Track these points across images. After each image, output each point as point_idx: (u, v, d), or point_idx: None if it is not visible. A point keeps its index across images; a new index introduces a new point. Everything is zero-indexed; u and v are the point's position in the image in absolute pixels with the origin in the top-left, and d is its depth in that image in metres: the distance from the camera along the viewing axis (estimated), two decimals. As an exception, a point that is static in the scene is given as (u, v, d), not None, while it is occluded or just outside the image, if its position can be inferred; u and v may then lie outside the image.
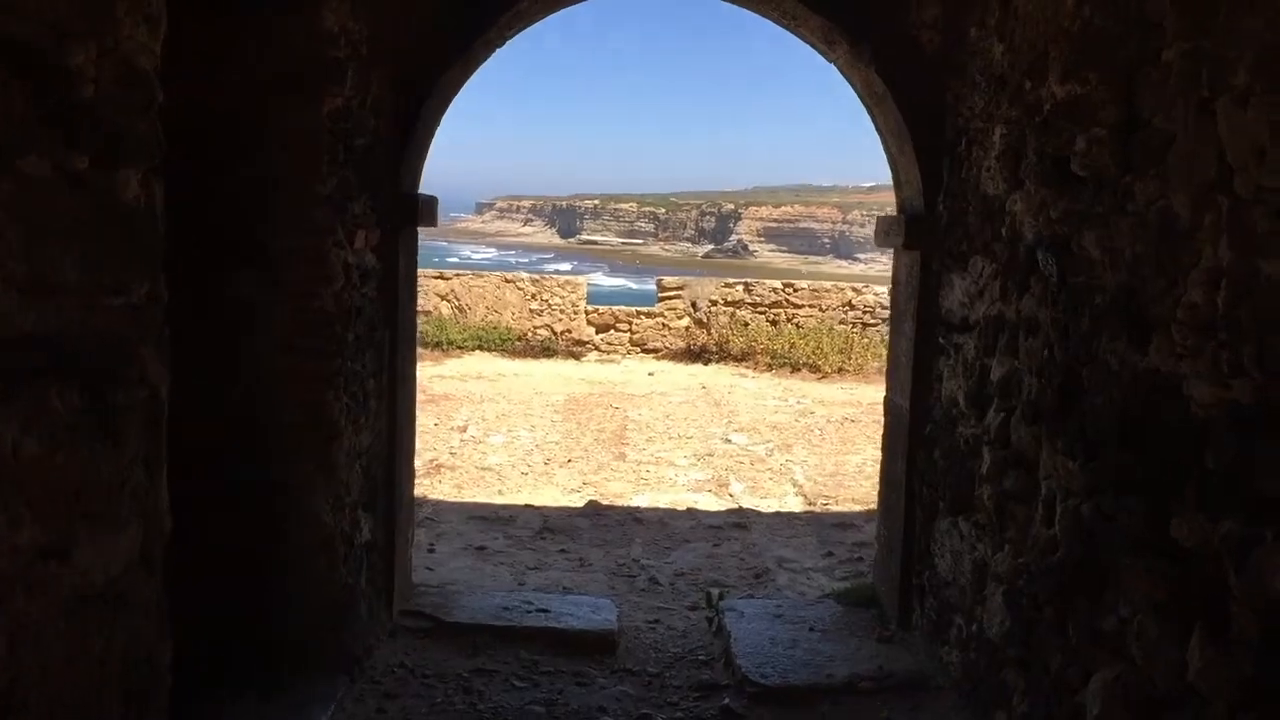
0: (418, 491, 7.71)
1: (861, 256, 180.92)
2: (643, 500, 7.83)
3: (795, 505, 7.86)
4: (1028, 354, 3.76)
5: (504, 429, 10.16)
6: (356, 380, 4.40)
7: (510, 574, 6.09)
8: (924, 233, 4.83)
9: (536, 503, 7.62)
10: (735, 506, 7.71)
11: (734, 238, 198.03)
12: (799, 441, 10.06)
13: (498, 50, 5.10)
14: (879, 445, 10.19)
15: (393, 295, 4.77)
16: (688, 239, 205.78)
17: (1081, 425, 3.27)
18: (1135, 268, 2.91)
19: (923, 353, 4.86)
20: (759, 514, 7.54)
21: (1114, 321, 3.08)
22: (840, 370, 13.97)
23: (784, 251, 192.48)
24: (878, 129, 5.22)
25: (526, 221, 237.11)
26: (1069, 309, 3.40)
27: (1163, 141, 2.73)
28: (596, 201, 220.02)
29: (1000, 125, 4.12)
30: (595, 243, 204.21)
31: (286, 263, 4.01)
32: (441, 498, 7.63)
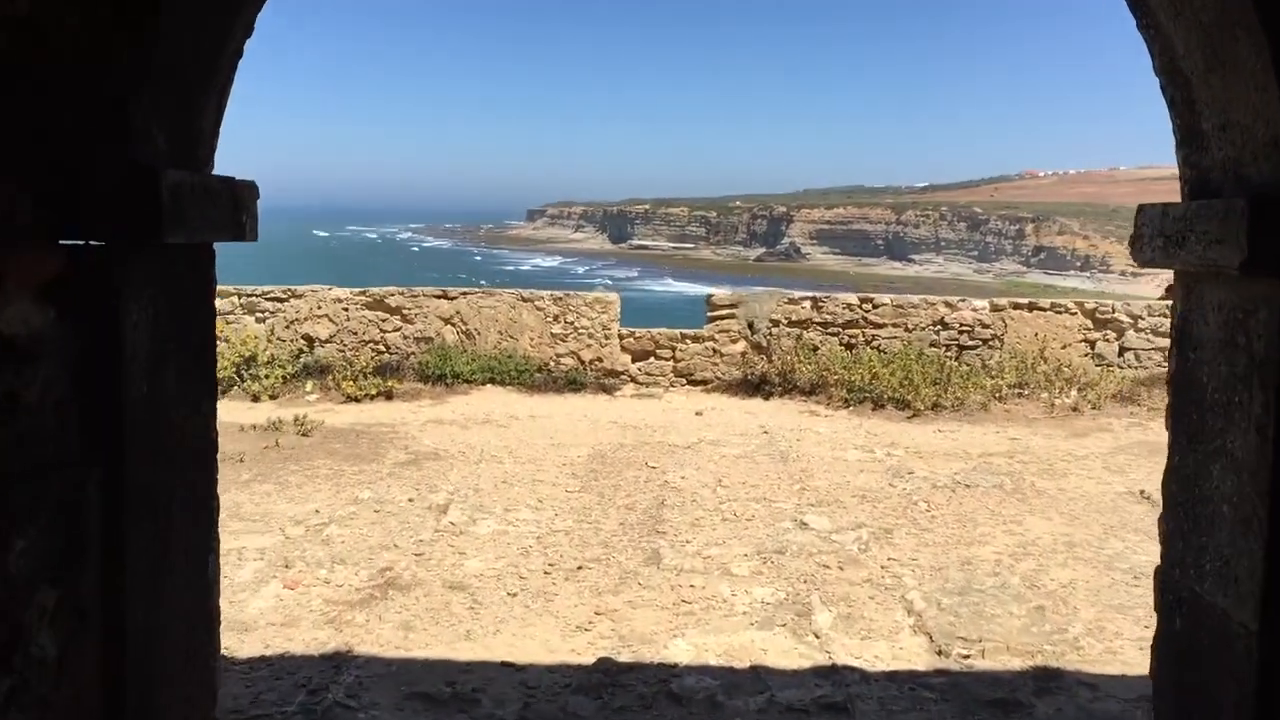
0: (340, 640, 5.14)
1: (916, 258, 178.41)
2: (683, 648, 5.15)
3: (917, 654, 5.14)
4: None
5: (499, 508, 7.54)
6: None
7: None
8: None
9: (520, 659, 4.98)
10: (826, 662, 5.00)
11: (786, 240, 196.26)
12: (901, 523, 7.33)
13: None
14: (1012, 528, 7.47)
15: (102, 395, 2.16)
16: (739, 242, 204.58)
17: None
18: None
19: (1291, 508, 2.16)
20: (864, 677, 4.84)
21: None
22: (935, 406, 11.18)
23: (836, 254, 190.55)
24: (1151, 25, 2.52)
25: (578, 228, 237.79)
26: None
27: None
28: (647, 206, 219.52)
29: None
30: (646, 248, 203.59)
31: None
32: (375, 651, 5.01)
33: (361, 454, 8.96)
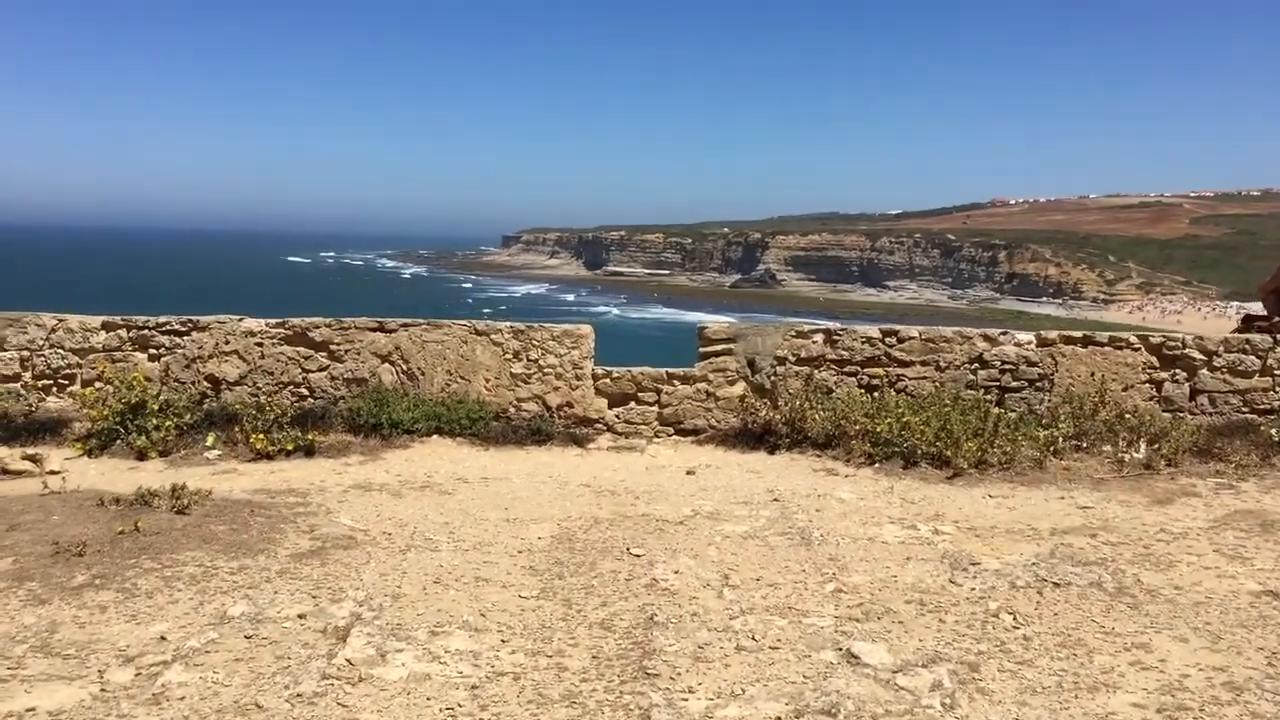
0: None
1: (890, 284, 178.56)
2: None
3: None
4: None
5: (423, 629, 5.38)
6: None
7: None
8: None
9: None
10: None
11: (761, 267, 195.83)
12: (986, 650, 5.23)
13: None
14: (1140, 656, 4.92)
15: None
16: (714, 269, 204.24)
17: None
18: None
19: None
20: None
21: None
22: (980, 464, 9.12)
23: (812, 280, 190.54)
24: None
25: (553, 254, 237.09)
26: None
27: None
28: (623, 233, 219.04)
29: None
30: (622, 274, 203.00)
31: None
32: None
33: (249, 541, 6.77)
